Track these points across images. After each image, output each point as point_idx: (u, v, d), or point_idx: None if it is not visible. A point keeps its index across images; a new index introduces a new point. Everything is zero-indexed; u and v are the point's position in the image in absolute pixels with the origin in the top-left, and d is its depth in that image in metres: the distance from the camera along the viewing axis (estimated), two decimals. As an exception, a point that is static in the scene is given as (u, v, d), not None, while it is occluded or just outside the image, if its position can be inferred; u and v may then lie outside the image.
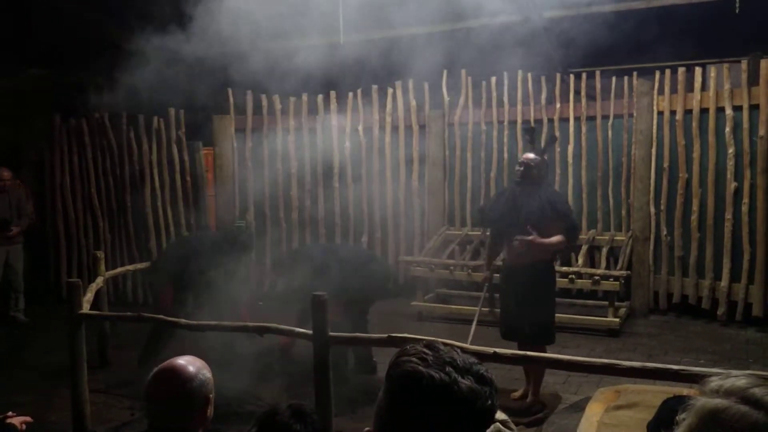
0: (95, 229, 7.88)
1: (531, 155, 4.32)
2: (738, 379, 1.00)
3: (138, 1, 7.52)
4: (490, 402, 1.08)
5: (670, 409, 1.10)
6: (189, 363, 1.96)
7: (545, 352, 3.87)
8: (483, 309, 4.79)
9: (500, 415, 1.48)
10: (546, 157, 4.47)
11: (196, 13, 5.96)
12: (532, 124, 7.03)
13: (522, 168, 4.28)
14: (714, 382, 1.01)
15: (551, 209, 4.13)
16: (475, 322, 4.68)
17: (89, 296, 4.40)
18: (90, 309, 4.29)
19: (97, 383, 4.77)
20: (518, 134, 7.12)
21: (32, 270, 7.49)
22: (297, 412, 2.01)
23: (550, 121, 7.02)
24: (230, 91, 7.62)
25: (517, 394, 4.44)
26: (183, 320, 3.90)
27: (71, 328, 3.94)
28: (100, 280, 5.22)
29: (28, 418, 2.38)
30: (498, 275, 4.61)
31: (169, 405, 1.88)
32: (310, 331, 3.30)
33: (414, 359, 1.10)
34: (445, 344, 1.16)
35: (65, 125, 7.86)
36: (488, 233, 4.70)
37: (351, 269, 4.64)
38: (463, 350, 1.19)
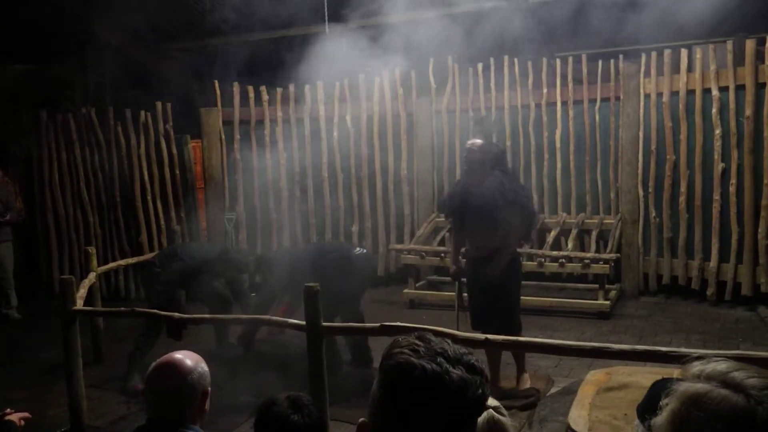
0: (85, 224, 7.85)
1: (477, 141, 4.22)
2: (718, 363, 1.03)
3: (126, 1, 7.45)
4: (480, 391, 1.11)
5: (658, 391, 1.13)
6: (186, 356, 2.00)
7: None
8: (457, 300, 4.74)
9: (492, 401, 1.51)
10: (493, 143, 4.31)
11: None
12: (519, 110, 7.07)
13: (467, 154, 4.20)
14: (695, 367, 1.04)
15: (502, 198, 4.02)
16: (456, 309, 4.64)
17: (82, 292, 4.39)
18: (83, 305, 4.28)
19: (93, 378, 4.77)
20: (506, 120, 7.13)
21: (23, 266, 7.46)
22: (294, 403, 2.04)
23: (538, 105, 7.04)
24: (216, 83, 7.58)
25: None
26: (176, 314, 3.91)
27: (65, 325, 3.95)
28: (92, 276, 5.20)
29: (26, 414, 2.40)
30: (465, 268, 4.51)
31: (168, 398, 1.92)
32: (302, 322, 3.32)
33: (406, 351, 1.12)
34: (437, 334, 1.19)
35: (52, 121, 7.80)
36: (451, 225, 4.61)
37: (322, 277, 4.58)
38: (454, 340, 1.21)
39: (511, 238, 4.14)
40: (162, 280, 4.86)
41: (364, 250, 5.27)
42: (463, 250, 4.59)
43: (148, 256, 6.09)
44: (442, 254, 6.69)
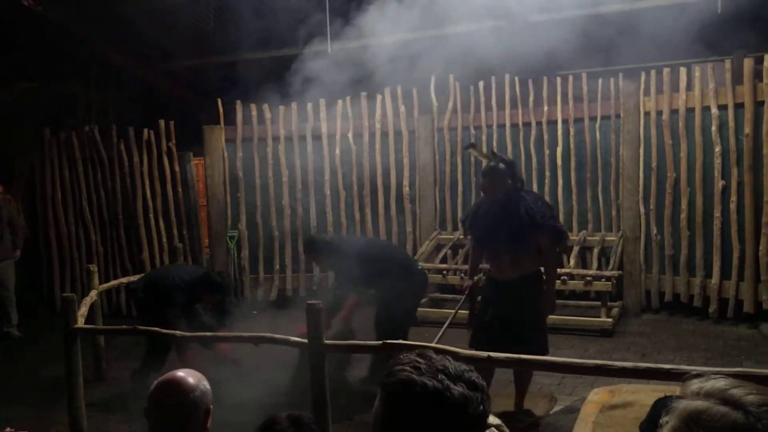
0: (87, 241, 7.86)
1: (486, 174, 4.06)
2: (717, 380, 1.03)
3: (126, 16, 7.53)
4: (482, 407, 1.12)
5: (660, 409, 1.14)
6: (189, 375, 2.00)
7: None
8: (461, 311, 4.55)
9: (494, 419, 1.51)
10: (502, 165, 4.09)
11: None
12: (521, 128, 7.11)
13: (485, 182, 4.04)
14: (694, 385, 1.04)
15: (530, 222, 3.91)
16: (446, 325, 4.50)
17: (83, 310, 4.40)
18: (85, 323, 4.28)
19: (94, 397, 4.76)
20: (507, 138, 7.17)
21: (25, 284, 7.47)
22: (295, 422, 2.04)
23: (539, 123, 7.08)
24: (220, 101, 7.64)
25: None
26: (178, 332, 3.91)
27: (66, 343, 3.94)
28: (93, 294, 5.21)
29: (26, 433, 2.39)
30: (482, 287, 4.46)
31: (171, 416, 1.92)
32: (304, 340, 3.32)
33: (407, 368, 1.13)
34: (438, 352, 1.20)
35: (55, 138, 7.85)
36: (471, 242, 4.56)
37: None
38: (455, 357, 1.22)
39: (551, 264, 4.06)
40: (170, 320, 4.79)
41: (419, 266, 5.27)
42: (482, 269, 4.53)
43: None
44: (444, 272, 6.70)
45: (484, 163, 4.31)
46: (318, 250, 5.08)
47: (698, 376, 1.07)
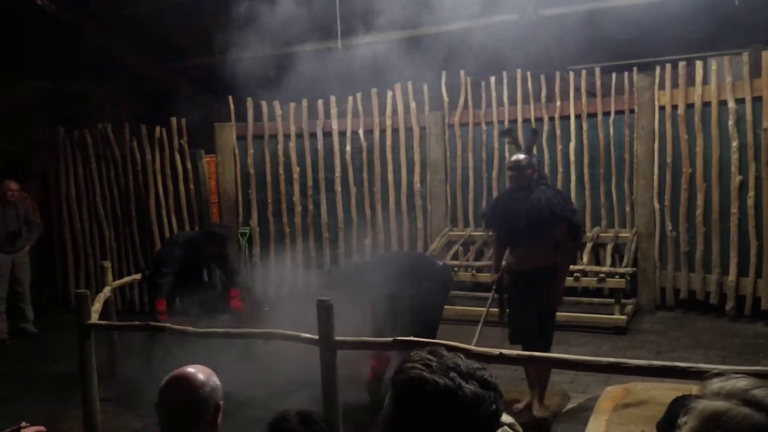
0: (101, 238, 7.91)
1: (520, 156, 4.21)
2: (738, 380, 1.00)
3: (138, 15, 7.56)
4: (494, 406, 1.09)
5: (678, 408, 1.11)
6: (199, 371, 1.99)
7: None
8: (491, 310, 4.63)
9: (507, 418, 1.48)
10: (533, 156, 4.30)
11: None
12: (533, 123, 7.04)
13: (514, 172, 4.18)
14: (714, 384, 1.01)
15: (549, 213, 4.01)
16: (481, 323, 4.62)
17: (97, 306, 4.42)
18: (98, 319, 4.30)
19: (107, 392, 4.78)
20: (519, 133, 7.11)
21: (40, 280, 7.54)
22: (305, 419, 2.02)
23: (551, 119, 7.02)
24: (230, 98, 7.65)
25: (519, 406, 4.25)
26: (191, 328, 3.91)
27: (80, 339, 3.96)
28: (107, 290, 5.25)
29: (41, 428, 2.39)
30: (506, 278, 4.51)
31: (181, 412, 1.92)
32: (315, 336, 3.31)
33: (418, 365, 1.11)
34: (449, 349, 1.17)
35: (69, 137, 7.90)
36: (492, 236, 4.59)
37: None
38: (467, 354, 1.20)
39: (564, 258, 4.14)
40: (157, 282, 4.92)
41: (442, 263, 5.19)
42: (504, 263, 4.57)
43: None
44: (455, 268, 6.66)
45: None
46: (340, 284, 4.55)
47: (718, 375, 1.04)
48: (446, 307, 6.67)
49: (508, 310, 4.44)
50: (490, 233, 4.58)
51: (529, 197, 4.08)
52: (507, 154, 7.11)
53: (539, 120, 7.04)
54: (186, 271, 5.11)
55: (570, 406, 4.34)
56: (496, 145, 7.22)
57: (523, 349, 4.01)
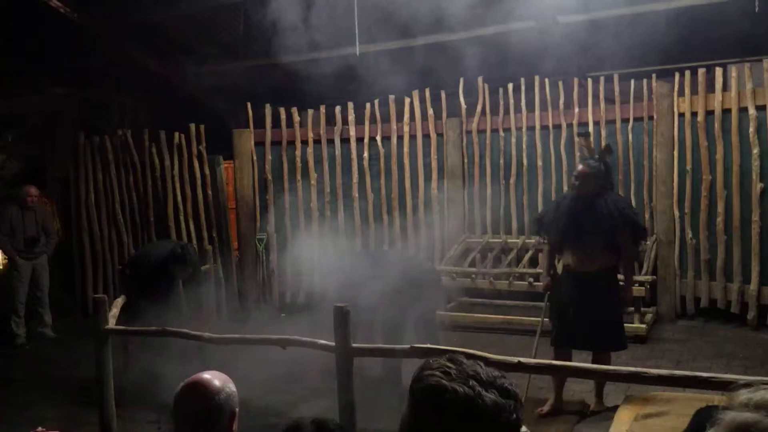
0: (120, 244, 7.98)
1: (586, 169, 4.29)
2: (767, 391, 0.97)
3: (159, 23, 7.64)
4: (514, 416, 1.07)
5: (703, 419, 1.08)
6: (214, 377, 1.99)
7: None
8: (544, 319, 4.56)
9: (526, 428, 1.46)
10: (601, 165, 4.38)
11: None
12: (550, 129, 6.99)
13: (579, 182, 4.28)
14: (743, 395, 0.98)
15: (620, 216, 4.14)
16: (538, 334, 4.54)
17: (115, 311, 4.44)
18: (116, 324, 4.33)
19: (124, 397, 4.79)
20: (537, 140, 7.07)
21: (59, 285, 7.61)
22: (320, 427, 2.00)
23: (569, 125, 6.96)
24: (249, 104, 7.69)
25: (544, 410, 4.29)
26: (207, 334, 3.92)
27: (98, 344, 3.99)
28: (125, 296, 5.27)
29: (58, 433, 2.41)
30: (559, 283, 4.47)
31: (197, 419, 1.91)
32: (332, 343, 3.29)
33: (437, 373, 1.09)
34: (469, 357, 1.15)
35: (89, 143, 7.99)
36: (544, 241, 4.55)
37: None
38: (487, 362, 1.18)
39: (629, 258, 4.33)
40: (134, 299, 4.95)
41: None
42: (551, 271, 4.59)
43: None
44: (473, 275, 6.62)
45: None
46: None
47: (746, 386, 1.01)
48: (461, 314, 6.67)
49: (561, 313, 4.36)
50: (543, 239, 4.56)
51: (596, 200, 4.20)
52: (525, 161, 7.08)
53: (557, 127, 6.99)
54: (154, 279, 5.15)
55: (589, 416, 4.28)
56: (513, 151, 7.18)
57: (593, 356, 4.16)
